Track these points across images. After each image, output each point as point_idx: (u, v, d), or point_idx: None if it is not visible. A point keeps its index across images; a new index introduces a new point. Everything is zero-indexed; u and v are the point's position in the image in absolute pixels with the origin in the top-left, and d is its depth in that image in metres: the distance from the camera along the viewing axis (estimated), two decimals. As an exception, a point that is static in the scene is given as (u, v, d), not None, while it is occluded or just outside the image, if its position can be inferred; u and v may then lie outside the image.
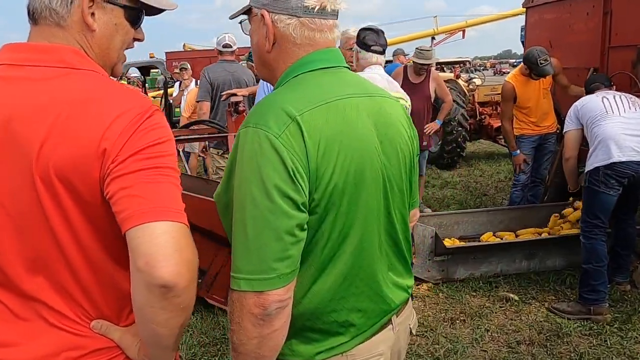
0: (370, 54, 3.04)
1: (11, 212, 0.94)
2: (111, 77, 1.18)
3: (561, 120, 5.12)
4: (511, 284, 3.77)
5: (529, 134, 4.54)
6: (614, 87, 3.55)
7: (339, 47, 1.29)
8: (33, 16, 1.02)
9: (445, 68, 11.61)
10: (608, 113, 3.24)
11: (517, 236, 4.12)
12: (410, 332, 1.30)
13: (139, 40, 1.15)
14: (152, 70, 10.88)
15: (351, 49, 3.45)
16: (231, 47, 4.54)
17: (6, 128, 0.92)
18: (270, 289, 0.94)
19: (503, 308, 3.45)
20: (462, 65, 13.70)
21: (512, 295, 3.57)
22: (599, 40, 4.13)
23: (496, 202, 5.81)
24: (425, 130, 5.34)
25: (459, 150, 7.54)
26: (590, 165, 3.26)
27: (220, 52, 4.57)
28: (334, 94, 1.05)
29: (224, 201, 1.04)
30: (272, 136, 0.95)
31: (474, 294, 3.65)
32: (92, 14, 1.02)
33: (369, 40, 3.04)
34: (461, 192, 6.44)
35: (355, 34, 3.23)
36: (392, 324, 1.19)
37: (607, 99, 3.31)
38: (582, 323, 3.19)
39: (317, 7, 1.07)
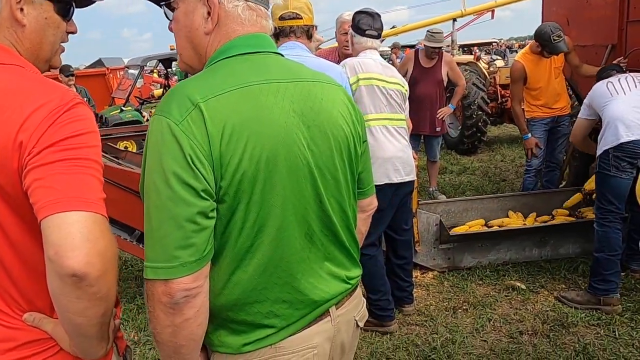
0: (365, 38, 2.96)
1: None
2: (51, 69, 1.19)
3: (580, 101, 4.89)
4: (520, 272, 3.65)
5: (540, 117, 4.34)
6: (628, 71, 3.37)
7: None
8: None
9: (477, 50, 11.16)
10: (613, 95, 3.10)
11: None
12: (357, 324, 1.26)
13: (72, 32, 1.16)
14: (173, 62, 11.01)
15: (346, 33, 3.38)
16: None
17: None
18: (175, 277, 0.92)
19: (509, 297, 3.35)
20: (491, 46, 13.15)
21: (519, 283, 3.46)
22: (617, 14, 3.90)
23: (514, 188, 5.62)
24: (437, 115, 5.21)
25: (479, 134, 7.29)
26: (600, 149, 3.11)
27: None
28: (249, 79, 1.03)
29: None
30: (173, 123, 0.94)
31: (480, 282, 3.56)
32: (21, 9, 1.04)
33: (363, 24, 2.95)
34: (479, 178, 6.27)
35: (350, 17, 3.15)
36: (330, 315, 1.16)
37: (611, 82, 3.17)
38: (590, 313, 3.06)
39: None
